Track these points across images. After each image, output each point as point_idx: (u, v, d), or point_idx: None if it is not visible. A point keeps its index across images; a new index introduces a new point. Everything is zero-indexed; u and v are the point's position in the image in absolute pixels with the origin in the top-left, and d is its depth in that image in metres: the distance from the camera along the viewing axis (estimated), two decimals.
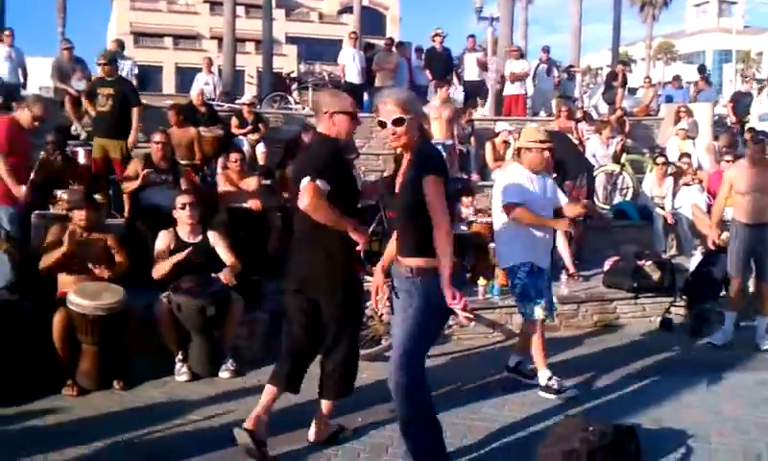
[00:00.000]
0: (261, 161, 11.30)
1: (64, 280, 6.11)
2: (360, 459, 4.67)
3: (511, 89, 15.79)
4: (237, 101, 13.62)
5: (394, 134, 4.00)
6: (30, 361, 5.70)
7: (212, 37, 45.21)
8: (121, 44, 13.49)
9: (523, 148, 5.93)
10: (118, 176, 8.67)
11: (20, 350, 5.61)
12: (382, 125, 4.04)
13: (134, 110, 9.23)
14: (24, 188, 6.72)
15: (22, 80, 13.20)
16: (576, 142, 11.67)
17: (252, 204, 8.28)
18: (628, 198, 11.65)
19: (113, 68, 9.52)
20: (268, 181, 9.59)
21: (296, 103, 16.88)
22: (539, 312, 5.79)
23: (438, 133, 11.08)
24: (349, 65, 15.25)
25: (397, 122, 3.98)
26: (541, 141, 5.89)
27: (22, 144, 6.99)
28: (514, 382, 6.08)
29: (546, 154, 5.88)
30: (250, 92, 19.51)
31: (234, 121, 11.75)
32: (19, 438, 4.96)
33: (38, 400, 5.58)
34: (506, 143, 11.99)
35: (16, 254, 6.38)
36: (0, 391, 5.42)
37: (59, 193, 7.39)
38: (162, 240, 6.46)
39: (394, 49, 15.68)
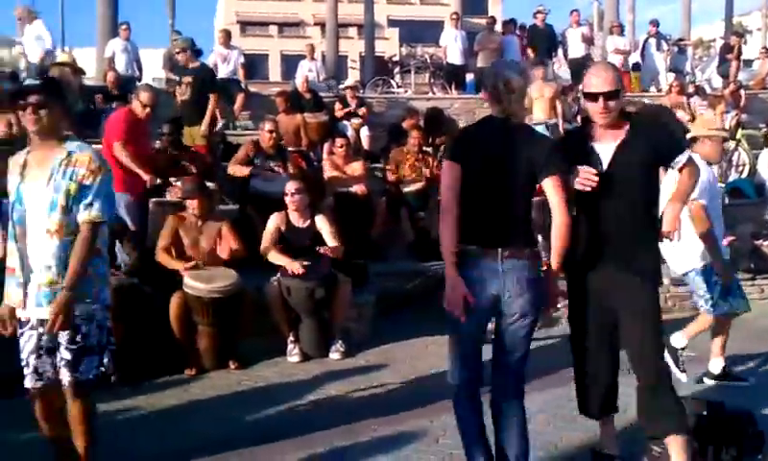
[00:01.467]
0: (366, 146, 11.42)
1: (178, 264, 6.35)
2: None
3: None
4: (341, 86, 13.80)
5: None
6: (151, 342, 5.99)
7: (316, 24, 45.69)
8: (228, 34, 13.81)
9: (702, 137, 5.48)
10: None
11: (142, 331, 5.90)
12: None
13: (211, 97, 9.30)
14: (155, 179, 7.03)
15: (137, 72, 13.71)
16: (688, 118, 11.27)
17: (358, 188, 8.40)
18: (744, 175, 11.20)
19: (189, 56, 9.65)
20: (373, 166, 9.69)
21: (398, 86, 16.94)
22: (742, 304, 5.58)
23: (540, 112, 10.92)
24: (451, 46, 15.19)
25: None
26: (719, 130, 5.64)
27: (140, 134, 7.29)
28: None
29: (724, 144, 5.58)
30: (353, 77, 19.67)
31: (338, 106, 11.90)
32: (145, 413, 5.25)
33: (161, 378, 5.88)
34: None
35: (136, 241, 6.69)
36: (126, 370, 5.72)
37: (174, 181, 7.68)
38: (273, 222, 6.64)
39: (496, 28, 15.51)
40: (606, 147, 3.75)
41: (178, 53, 9.64)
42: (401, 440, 4.58)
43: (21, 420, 4.18)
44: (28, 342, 3.76)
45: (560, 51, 16.05)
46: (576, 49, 15.54)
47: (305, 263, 6.23)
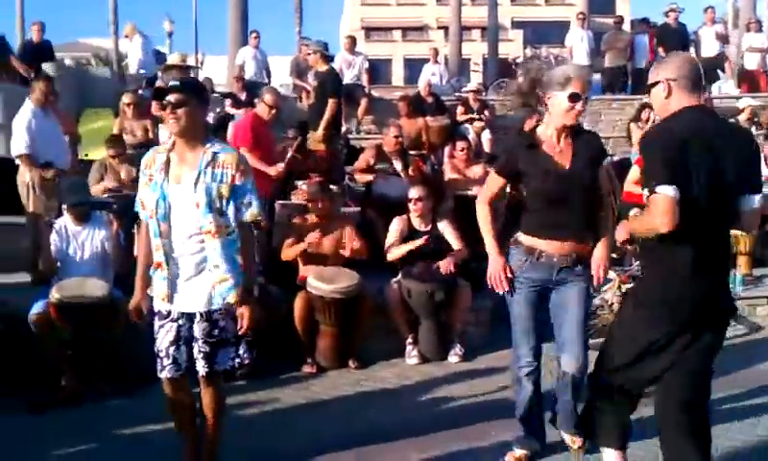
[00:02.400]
0: (487, 149, 11.35)
1: (305, 266, 6.52)
2: None
3: (750, 64, 14.67)
4: (463, 89, 13.77)
5: None
6: (274, 339, 6.17)
7: (439, 27, 45.79)
8: (353, 40, 14.05)
9: None
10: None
11: (268, 329, 6.07)
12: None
13: (330, 102, 9.40)
14: (282, 165, 7.22)
15: (266, 79, 14.13)
16: None
17: (478, 191, 8.33)
18: None
19: (318, 60, 9.76)
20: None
21: None
22: None
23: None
24: (577, 47, 14.89)
25: None
26: None
27: (265, 138, 7.50)
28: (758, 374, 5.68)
29: None
30: (476, 80, 19.62)
31: (460, 109, 11.88)
32: (266, 409, 5.40)
33: (283, 375, 6.04)
34: (750, 120, 11.14)
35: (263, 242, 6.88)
36: (250, 366, 5.91)
37: (299, 183, 7.87)
38: (396, 226, 6.71)
39: (624, 27, 15.09)
40: None
41: (309, 54, 9.81)
42: None
43: (151, 410, 4.38)
44: (168, 333, 3.89)
45: (692, 50, 15.42)
46: (710, 48, 14.88)
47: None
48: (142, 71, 13.53)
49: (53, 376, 5.62)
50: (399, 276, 6.43)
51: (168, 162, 3.84)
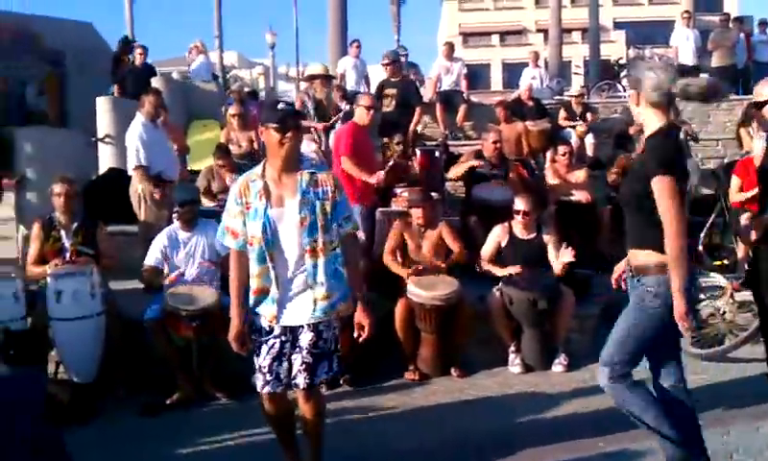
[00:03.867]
0: (590, 153, 11.13)
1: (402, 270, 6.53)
2: None
3: None
4: (565, 92, 13.56)
5: None
6: (375, 346, 6.20)
7: (538, 31, 45.28)
8: (451, 46, 14.03)
9: None
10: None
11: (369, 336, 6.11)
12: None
13: (417, 110, 9.35)
14: (382, 173, 7.27)
15: (365, 88, 14.27)
16: None
17: (581, 196, 8.21)
18: None
19: (396, 68, 9.79)
20: (598, 173, 9.42)
21: (625, 90, 16.32)
22: None
23: None
24: (683, 46, 14.43)
25: None
26: None
27: (365, 146, 7.55)
28: None
29: None
30: (577, 82, 19.26)
31: (562, 113, 11.70)
32: (369, 415, 5.45)
33: (384, 382, 6.09)
34: None
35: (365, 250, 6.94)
36: (352, 373, 5.97)
37: (399, 191, 7.91)
38: (495, 235, 6.66)
39: (731, 25, 14.53)
40: None
41: (385, 64, 9.90)
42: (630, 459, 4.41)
43: (259, 416, 4.48)
44: (271, 350, 3.95)
45: None
46: None
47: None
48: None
49: (165, 380, 5.82)
50: (501, 283, 6.37)
51: (266, 188, 3.90)
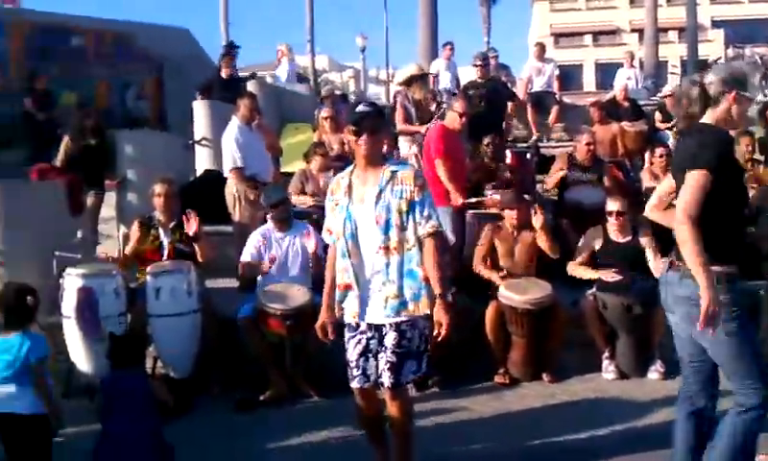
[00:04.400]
0: None
1: (494, 275, 6.48)
2: None
3: None
4: (660, 93, 13.19)
5: None
6: (466, 349, 6.18)
7: (632, 30, 44.25)
8: (543, 47, 13.86)
9: None
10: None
11: (457, 338, 6.08)
12: None
13: (509, 105, 9.15)
14: (461, 200, 7.25)
15: (457, 90, 14.21)
16: None
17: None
18: None
19: (484, 70, 9.69)
20: None
21: None
22: None
23: None
24: None
25: None
26: None
27: (456, 148, 7.52)
28: None
29: None
30: (673, 83, 18.73)
31: (657, 115, 11.39)
32: (459, 418, 5.42)
33: (474, 385, 6.04)
34: None
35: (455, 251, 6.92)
36: (442, 375, 5.96)
37: (490, 193, 7.83)
38: (589, 238, 6.53)
39: None
40: None
41: (477, 65, 9.81)
42: None
43: (350, 414, 4.52)
44: (357, 345, 4.03)
45: None
46: None
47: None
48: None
49: (259, 377, 5.94)
50: (595, 287, 6.25)
51: (350, 185, 4.03)
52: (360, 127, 3.93)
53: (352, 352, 4.05)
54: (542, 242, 6.44)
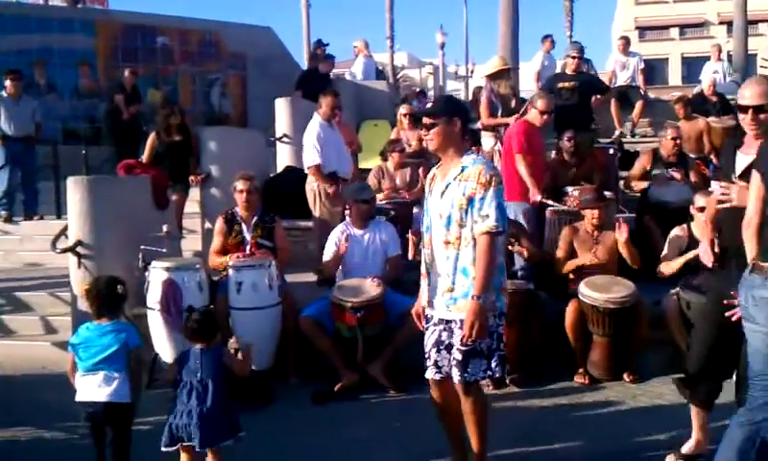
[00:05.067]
0: None
1: (576, 273, 6.38)
2: None
3: None
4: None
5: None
6: (545, 347, 6.11)
7: (721, 23, 42.98)
8: (627, 41, 13.57)
9: None
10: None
11: (536, 336, 6.03)
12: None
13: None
14: (539, 197, 7.17)
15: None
16: None
17: None
18: None
19: (579, 63, 9.48)
20: None
21: None
22: None
23: None
24: None
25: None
26: None
27: (536, 144, 7.45)
28: None
29: None
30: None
31: None
32: (538, 417, 5.35)
33: (553, 384, 5.96)
34: None
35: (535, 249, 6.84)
36: (520, 373, 5.90)
37: (570, 190, 7.71)
38: (674, 238, 6.34)
39: None
40: (744, 158, 3.87)
41: (572, 57, 9.59)
42: None
43: (424, 408, 4.53)
44: (430, 337, 4.09)
45: None
46: None
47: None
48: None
49: (335, 369, 6.00)
50: (678, 287, 6.08)
51: (433, 178, 4.12)
52: (420, 122, 4.06)
53: (427, 342, 4.12)
54: (625, 254, 6.30)
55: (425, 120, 4.05)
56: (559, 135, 8.53)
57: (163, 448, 4.10)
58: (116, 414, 4.23)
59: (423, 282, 4.16)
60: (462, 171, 3.95)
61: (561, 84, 9.29)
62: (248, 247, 6.43)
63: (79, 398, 4.26)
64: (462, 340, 3.87)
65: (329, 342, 6.06)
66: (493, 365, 3.97)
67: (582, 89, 9.08)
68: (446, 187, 3.98)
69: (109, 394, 4.20)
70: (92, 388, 4.21)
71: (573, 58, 9.53)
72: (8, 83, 10.48)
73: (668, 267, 6.20)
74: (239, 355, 5.30)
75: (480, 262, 3.86)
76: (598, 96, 9.19)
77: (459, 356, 3.93)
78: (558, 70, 12.26)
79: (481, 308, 3.82)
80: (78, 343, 4.28)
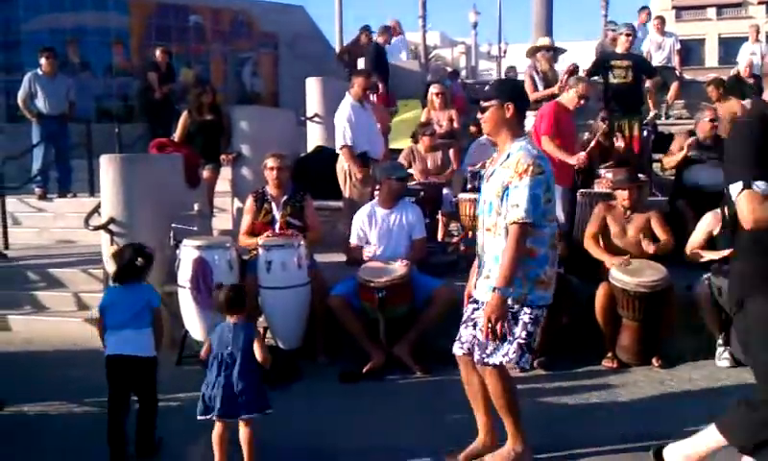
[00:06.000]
0: None
1: (606, 256, 6.32)
2: None
3: None
4: None
5: None
6: (574, 331, 6.08)
7: (760, 3, 42.11)
8: (663, 21, 13.37)
9: None
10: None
11: (565, 319, 6.00)
12: None
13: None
14: (583, 154, 7.07)
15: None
16: None
17: None
18: None
19: (634, 41, 9.34)
20: None
21: None
22: None
23: None
24: None
25: None
26: None
27: (567, 126, 7.37)
28: None
29: None
30: None
31: None
32: (564, 401, 5.34)
33: (581, 368, 5.94)
34: None
35: (565, 231, 6.79)
36: (549, 357, 5.88)
37: (602, 172, 7.64)
38: (705, 223, 6.25)
39: None
40: None
41: (626, 35, 9.39)
42: None
43: (449, 391, 4.54)
44: (465, 312, 4.18)
45: None
46: None
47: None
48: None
49: (362, 349, 6.03)
50: (710, 272, 6.00)
51: (492, 161, 4.17)
52: (483, 104, 4.04)
53: (463, 319, 4.18)
54: (660, 236, 6.21)
55: (481, 103, 4.06)
56: (617, 117, 8.41)
57: (199, 417, 4.18)
58: (143, 367, 4.48)
59: (475, 264, 4.22)
60: (507, 157, 3.94)
61: (615, 63, 9.10)
62: (277, 226, 6.46)
63: (108, 352, 4.48)
64: (482, 333, 3.88)
65: (358, 321, 6.08)
66: (511, 353, 3.94)
67: (635, 70, 8.92)
68: (492, 173, 4.01)
69: (136, 348, 4.45)
70: (120, 343, 4.45)
71: (627, 35, 9.34)
72: (43, 61, 10.60)
73: (695, 255, 6.12)
74: (267, 336, 5.35)
75: (504, 253, 3.84)
76: (646, 78, 9.08)
77: (481, 337, 3.94)
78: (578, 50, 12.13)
79: (500, 301, 3.80)
80: (106, 305, 4.61)
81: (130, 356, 4.43)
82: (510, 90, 4.16)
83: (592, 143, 7.58)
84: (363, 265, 6.18)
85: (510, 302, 3.88)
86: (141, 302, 4.54)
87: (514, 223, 3.81)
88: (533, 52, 8.95)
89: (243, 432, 4.17)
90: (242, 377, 4.13)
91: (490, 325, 3.81)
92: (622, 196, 6.38)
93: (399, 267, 6.03)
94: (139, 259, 4.64)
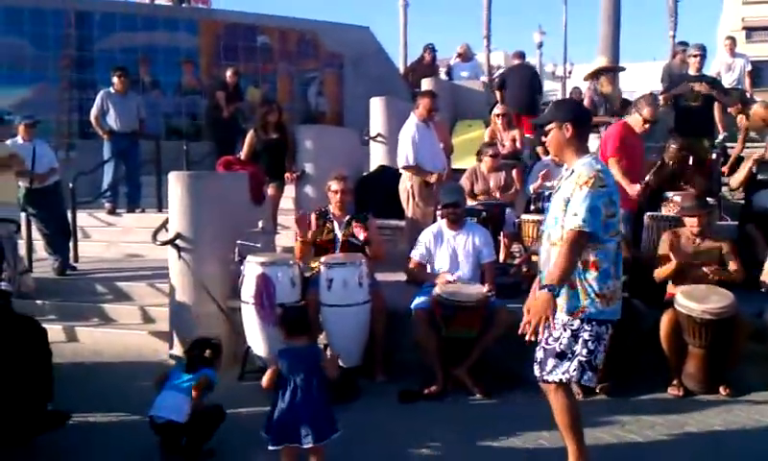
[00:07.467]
0: None
1: (674, 282, 6.19)
2: None
3: None
4: None
5: None
6: (639, 358, 5.95)
7: None
8: (734, 41, 13.08)
9: None
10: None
11: (629, 345, 5.87)
12: None
13: (716, 106, 8.69)
14: (638, 186, 6.95)
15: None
16: None
17: None
18: None
19: (703, 62, 9.17)
20: None
21: None
22: None
23: None
24: None
25: None
26: None
27: (634, 148, 7.24)
28: None
29: None
30: None
31: None
32: (626, 429, 5.21)
33: (645, 395, 5.82)
34: None
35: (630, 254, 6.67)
36: (613, 382, 5.77)
37: (670, 195, 7.49)
38: None
39: None
40: None
41: (695, 56, 9.23)
42: None
43: (510, 413, 4.48)
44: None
45: None
46: None
47: None
48: None
49: (423, 369, 6.02)
50: None
51: (560, 179, 4.16)
52: (544, 124, 4.12)
53: None
54: (730, 266, 6.10)
55: (546, 125, 4.12)
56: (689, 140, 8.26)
57: (270, 448, 4.19)
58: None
59: (536, 281, 4.19)
60: (572, 173, 3.97)
61: (694, 86, 8.93)
62: (339, 245, 6.52)
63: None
64: (521, 326, 3.78)
65: (435, 339, 5.99)
66: (572, 370, 3.89)
67: (708, 93, 8.76)
68: (558, 189, 4.05)
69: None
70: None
71: (696, 56, 9.17)
72: (115, 79, 10.91)
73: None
74: (328, 353, 5.39)
75: (559, 255, 3.83)
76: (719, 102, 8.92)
77: (540, 354, 3.95)
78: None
79: (545, 297, 3.74)
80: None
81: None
82: (567, 111, 4.17)
83: (654, 168, 7.42)
84: (441, 282, 6.15)
85: (567, 317, 3.87)
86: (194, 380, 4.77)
87: (571, 229, 3.82)
88: (593, 76, 8.84)
89: (313, 457, 4.23)
90: (321, 401, 4.18)
91: (528, 317, 3.73)
92: (691, 222, 6.25)
93: (475, 289, 6.01)
94: (207, 351, 4.87)
